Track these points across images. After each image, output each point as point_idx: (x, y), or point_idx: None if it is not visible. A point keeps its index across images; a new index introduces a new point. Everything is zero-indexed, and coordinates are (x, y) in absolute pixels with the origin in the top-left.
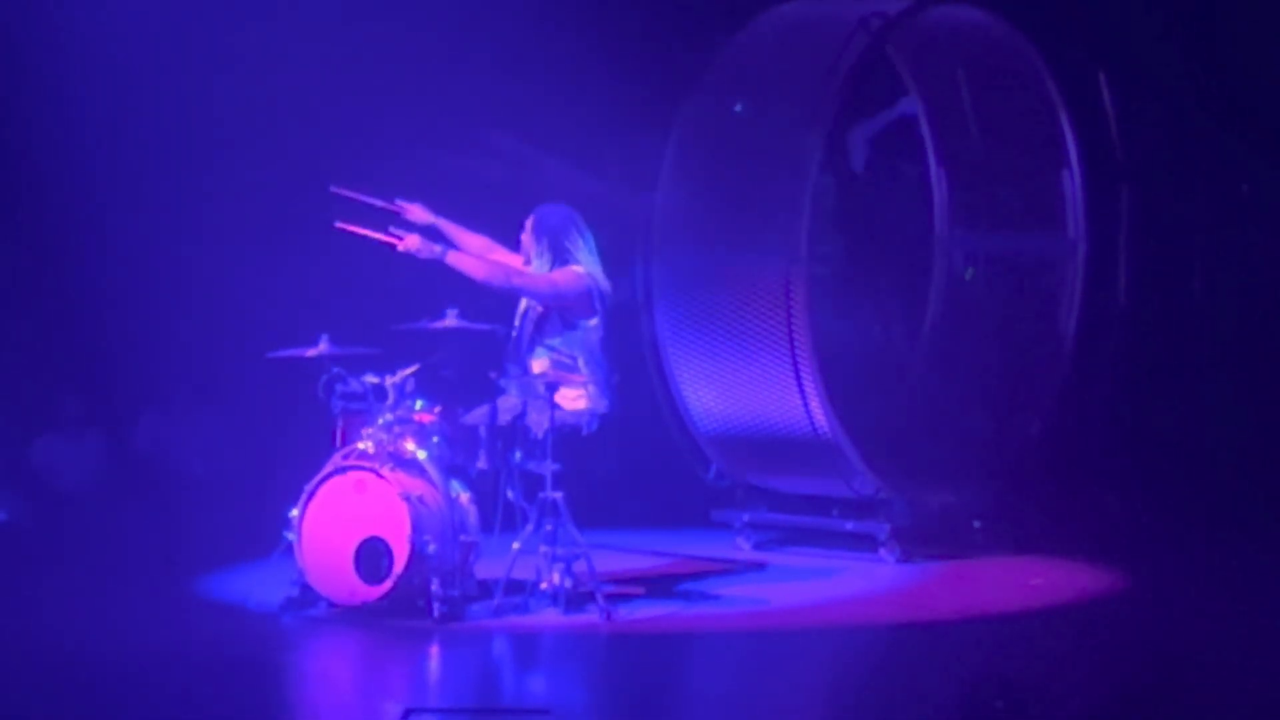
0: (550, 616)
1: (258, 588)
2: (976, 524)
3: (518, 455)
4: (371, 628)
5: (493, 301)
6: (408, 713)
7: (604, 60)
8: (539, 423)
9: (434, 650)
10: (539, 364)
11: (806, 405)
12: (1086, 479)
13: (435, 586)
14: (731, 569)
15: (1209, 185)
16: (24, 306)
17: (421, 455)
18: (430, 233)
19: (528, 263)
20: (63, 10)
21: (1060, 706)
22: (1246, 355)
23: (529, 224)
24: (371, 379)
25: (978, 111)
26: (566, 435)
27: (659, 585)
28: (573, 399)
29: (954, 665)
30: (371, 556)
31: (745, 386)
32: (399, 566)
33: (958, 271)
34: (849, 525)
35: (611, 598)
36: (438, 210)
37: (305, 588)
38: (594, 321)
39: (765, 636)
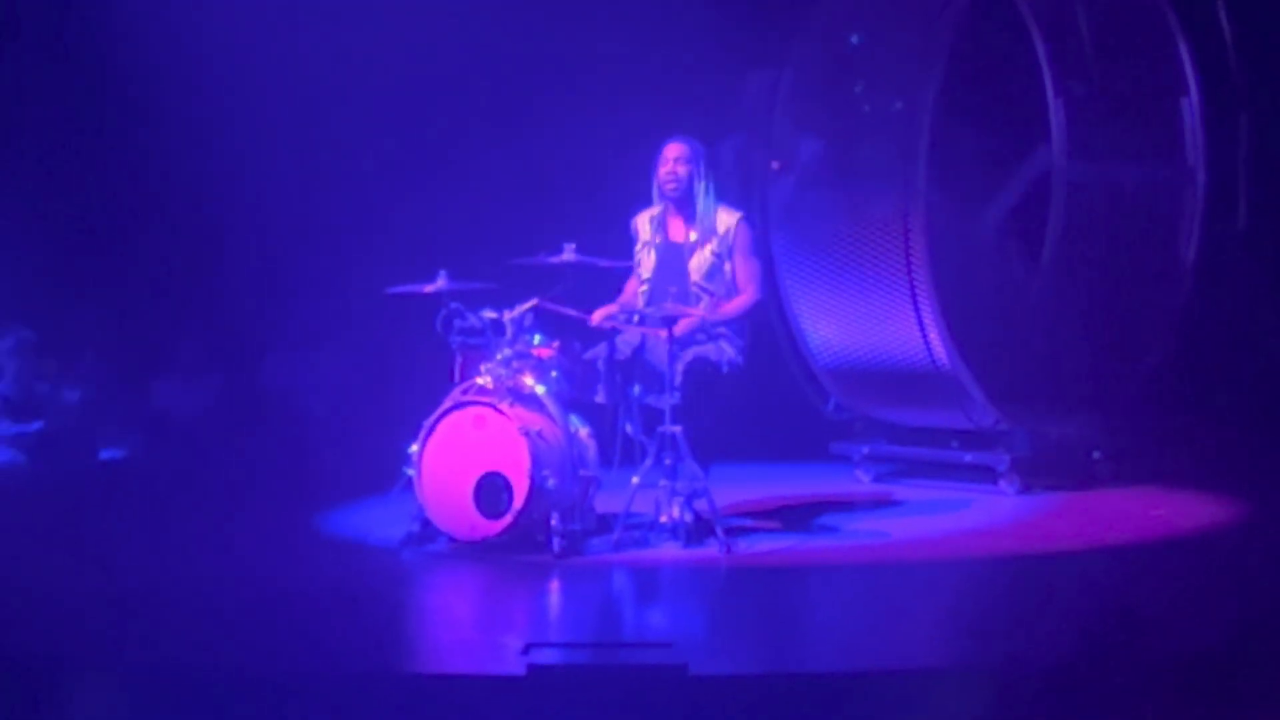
0: (670, 550)
1: (378, 523)
2: (1096, 455)
3: (636, 389)
4: (491, 563)
5: (611, 237)
6: (528, 647)
7: None
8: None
9: (554, 585)
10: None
11: (925, 337)
12: (1207, 408)
13: (555, 521)
14: (851, 502)
15: None
16: (145, 247)
17: (540, 390)
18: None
19: (678, 194)
20: None
21: (1181, 637)
22: None
23: (684, 154)
24: (490, 314)
25: (1094, 40)
26: (706, 372)
27: (778, 518)
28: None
29: (1075, 596)
30: (491, 491)
31: (863, 319)
32: (519, 501)
33: (1076, 202)
34: (968, 457)
35: (731, 531)
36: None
37: (425, 523)
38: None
39: (886, 569)
